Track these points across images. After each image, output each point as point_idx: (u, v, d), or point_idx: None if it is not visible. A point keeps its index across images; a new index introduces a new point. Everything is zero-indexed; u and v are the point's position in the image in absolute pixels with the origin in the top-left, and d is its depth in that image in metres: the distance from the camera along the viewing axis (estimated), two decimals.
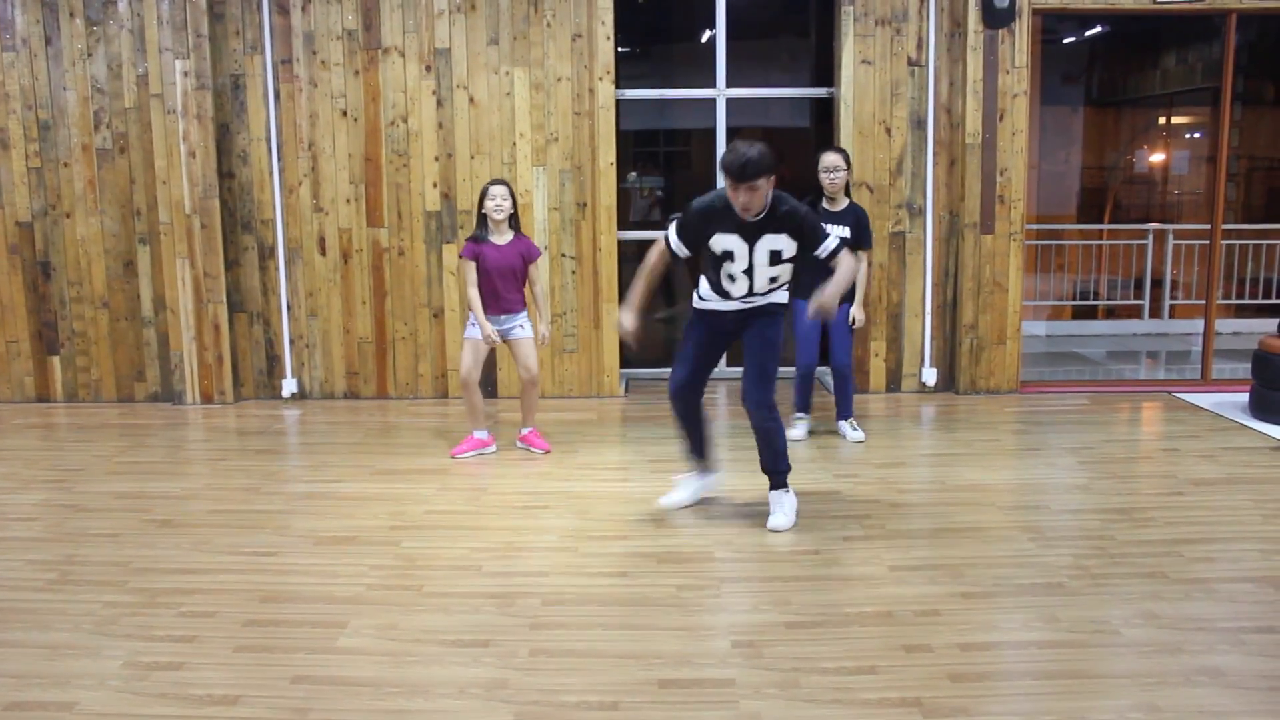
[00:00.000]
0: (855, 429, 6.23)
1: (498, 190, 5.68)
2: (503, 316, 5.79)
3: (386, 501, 5.13)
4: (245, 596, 3.97)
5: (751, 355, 4.62)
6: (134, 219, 7.29)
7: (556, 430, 6.48)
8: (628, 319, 4.54)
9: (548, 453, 5.95)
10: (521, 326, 5.85)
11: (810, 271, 4.60)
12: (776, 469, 4.71)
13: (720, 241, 4.41)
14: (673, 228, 4.56)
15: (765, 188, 4.26)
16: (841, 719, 3.04)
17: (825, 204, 5.95)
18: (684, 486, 4.98)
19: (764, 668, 3.35)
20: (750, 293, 4.54)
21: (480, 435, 5.95)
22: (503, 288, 5.74)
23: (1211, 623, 3.65)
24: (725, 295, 4.58)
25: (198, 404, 7.31)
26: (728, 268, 4.47)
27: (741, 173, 4.17)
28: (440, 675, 3.33)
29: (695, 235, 4.47)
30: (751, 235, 4.37)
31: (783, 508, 4.69)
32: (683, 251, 4.53)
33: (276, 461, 5.99)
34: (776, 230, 4.36)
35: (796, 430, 6.13)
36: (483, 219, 5.71)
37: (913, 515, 4.90)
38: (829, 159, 5.91)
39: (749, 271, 4.45)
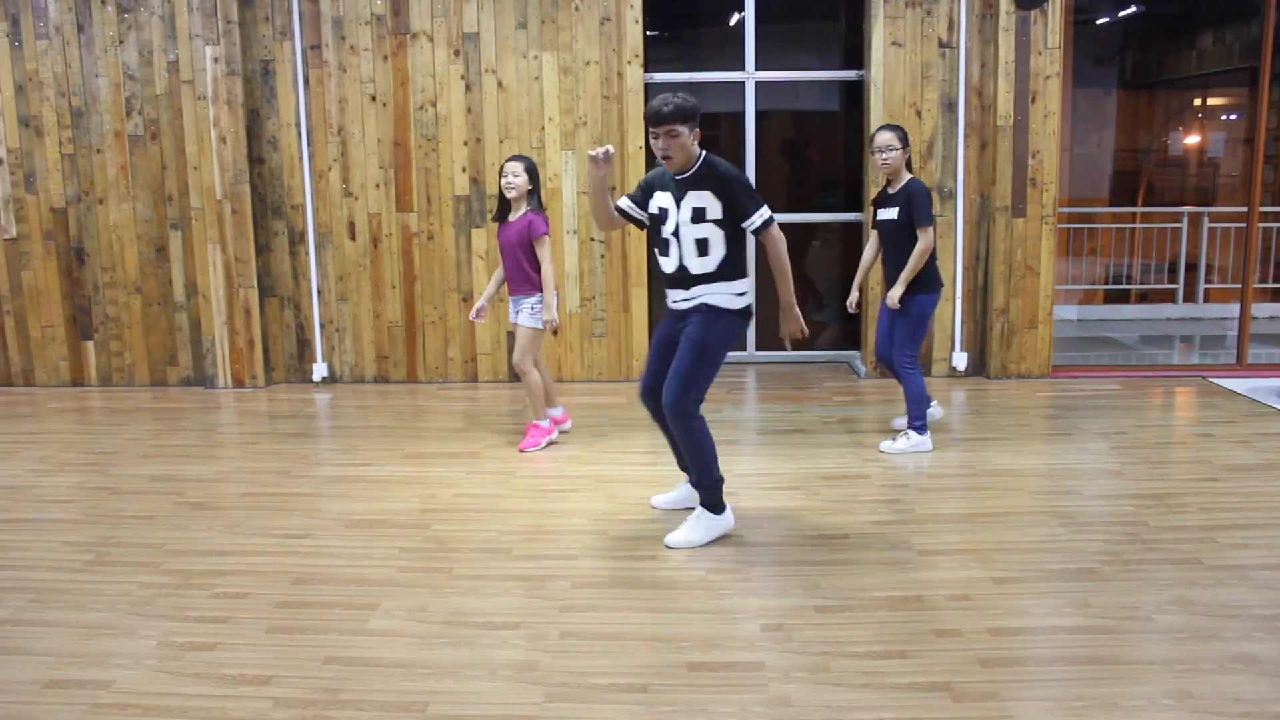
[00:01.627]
0: (895, 439, 5.69)
1: (511, 166, 5.52)
2: (511, 299, 5.70)
3: (416, 485, 5.16)
4: (277, 578, 4.00)
5: (677, 353, 4.24)
6: (166, 205, 7.35)
7: (586, 414, 6.50)
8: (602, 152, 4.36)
9: (520, 450, 5.69)
10: (521, 313, 5.62)
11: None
12: (699, 483, 4.34)
13: (658, 199, 4.30)
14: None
15: (687, 138, 4.10)
16: (871, 703, 3.03)
17: (887, 187, 5.61)
18: (677, 489, 4.76)
19: (793, 651, 3.34)
20: (681, 268, 4.23)
21: (543, 423, 5.81)
22: (507, 268, 5.63)
23: (1246, 609, 3.61)
24: (666, 278, 4.34)
25: (229, 388, 7.38)
26: (662, 231, 4.28)
27: (657, 116, 4.06)
28: (470, 657, 3.35)
29: (644, 192, 4.37)
30: (679, 192, 4.20)
31: (695, 524, 4.32)
32: (624, 202, 4.42)
33: (307, 445, 6.04)
34: (701, 187, 4.16)
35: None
36: (503, 195, 5.61)
37: (943, 499, 4.87)
38: (879, 138, 5.51)
39: (676, 233, 4.20)
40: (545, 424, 5.80)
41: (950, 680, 3.14)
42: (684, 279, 4.26)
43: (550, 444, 5.79)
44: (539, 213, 5.52)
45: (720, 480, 4.32)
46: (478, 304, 5.78)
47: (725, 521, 4.35)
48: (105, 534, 4.53)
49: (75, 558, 4.26)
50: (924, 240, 5.44)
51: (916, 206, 5.43)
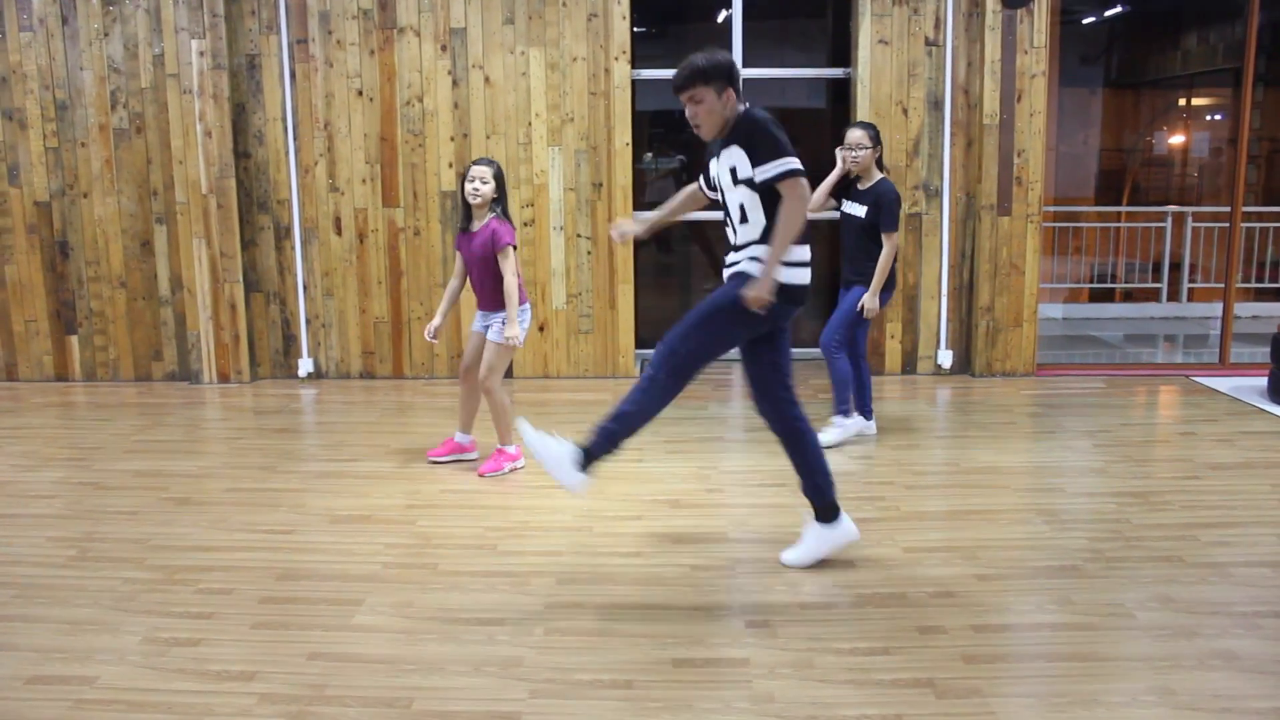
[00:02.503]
0: (837, 425, 5.69)
1: (478, 170, 5.03)
2: (479, 313, 5.27)
3: (402, 481, 5.15)
4: (262, 574, 4.00)
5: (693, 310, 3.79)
6: (151, 199, 7.32)
7: (571, 411, 6.50)
8: (625, 225, 4.13)
9: (479, 475, 5.24)
10: (491, 327, 5.16)
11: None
12: (600, 424, 3.73)
13: (712, 167, 3.87)
14: None
15: (716, 103, 3.63)
16: (855, 699, 3.05)
17: (856, 182, 5.59)
18: (803, 535, 4.11)
19: (778, 648, 3.36)
20: (735, 235, 3.80)
21: (509, 449, 5.34)
22: (474, 281, 5.19)
23: (1227, 607, 3.64)
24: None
25: (214, 383, 7.35)
26: (718, 201, 3.90)
27: (675, 83, 3.65)
28: (455, 653, 3.35)
29: (706, 161, 3.96)
30: (717, 151, 3.77)
31: (552, 457, 3.66)
32: (703, 181, 4.06)
33: (293, 441, 6.02)
34: (730, 143, 3.68)
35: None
36: (466, 203, 5.12)
37: (927, 497, 4.89)
38: (850, 135, 5.49)
39: (723, 197, 3.81)
40: (513, 449, 5.31)
41: (934, 677, 3.16)
42: (736, 249, 3.81)
43: (514, 470, 5.30)
44: (504, 221, 5.05)
45: (611, 446, 3.71)
46: (433, 323, 5.25)
47: (581, 480, 3.66)
48: (89, 529, 4.51)
49: (59, 553, 4.24)
50: (889, 245, 5.44)
51: (885, 212, 5.41)
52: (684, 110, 3.71)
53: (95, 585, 3.90)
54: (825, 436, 5.50)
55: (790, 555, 4.03)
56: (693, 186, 4.21)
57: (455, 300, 5.36)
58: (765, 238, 3.68)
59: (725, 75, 3.62)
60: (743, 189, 3.69)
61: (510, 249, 5.03)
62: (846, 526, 4.01)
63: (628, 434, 3.72)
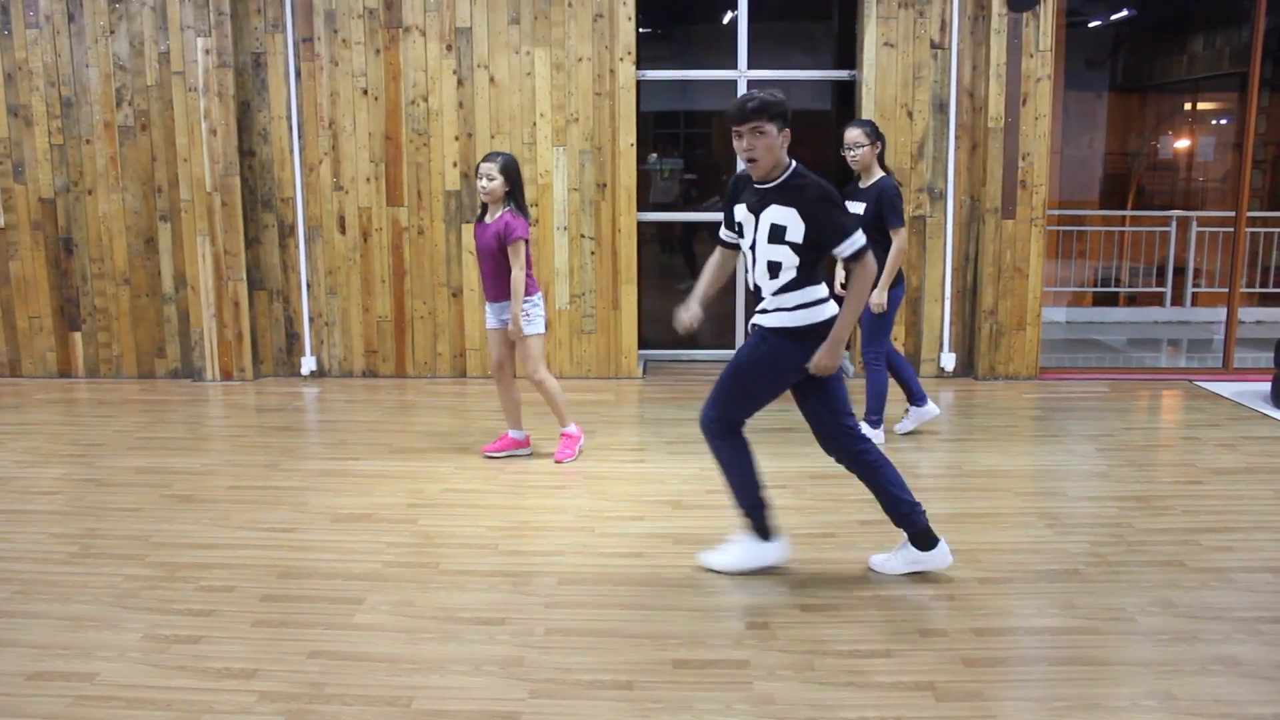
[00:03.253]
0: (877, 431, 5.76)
1: (485, 167, 5.12)
2: (490, 307, 5.37)
3: (404, 479, 5.15)
4: (263, 572, 4.00)
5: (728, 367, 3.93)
6: (155, 196, 7.33)
7: (574, 411, 6.48)
8: (686, 314, 4.03)
9: (556, 462, 5.44)
10: (502, 319, 5.36)
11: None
12: (735, 507, 3.99)
13: (739, 212, 3.84)
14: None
15: (775, 139, 3.64)
16: (854, 701, 3.04)
17: (858, 181, 5.56)
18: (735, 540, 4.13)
19: (778, 649, 3.35)
20: (756, 287, 3.85)
21: (571, 429, 5.53)
22: (485, 273, 5.29)
23: (1228, 612, 3.63)
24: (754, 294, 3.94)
25: (217, 381, 7.36)
26: (741, 245, 3.90)
27: (740, 112, 3.62)
28: (456, 652, 3.35)
29: (729, 206, 3.91)
30: (759, 204, 3.74)
31: (729, 549, 4.02)
32: (726, 234, 3.98)
33: (295, 439, 6.02)
34: (784, 202, 3.68)
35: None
36: None
37: (929, 500, 4.83)
38: (848, 135, 5.49)
39: (753, 249, 3.79)
40: (573, 429, 5.52)
41: (934, 680, 3.15)
42: (758, 297, 3.86)
43: (582, 450, 5.53)
44: (517, 215, 5.12)
45: (760, 506, 3.94)
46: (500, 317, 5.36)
47: (774, 551, 3.99)
48: (91, 526, 4.51)
49: (61, 550, 4.24)
50: (898, 241, 5.41)
51: (887, 207, 5.38)
52: (740, 137, 3.66)
53: (96, 582, 3.91)
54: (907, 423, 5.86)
55: (880, 561, 4.01)
56: (720, 254, 4.08)
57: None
58: (790, 288, 3.73)
59: (787, 116, 3.67)
60: (784, 249, 3.70)
61: (522, 242, 5.11)
62: (942, 551, 3.94)
63: (754, 493, 3.93)
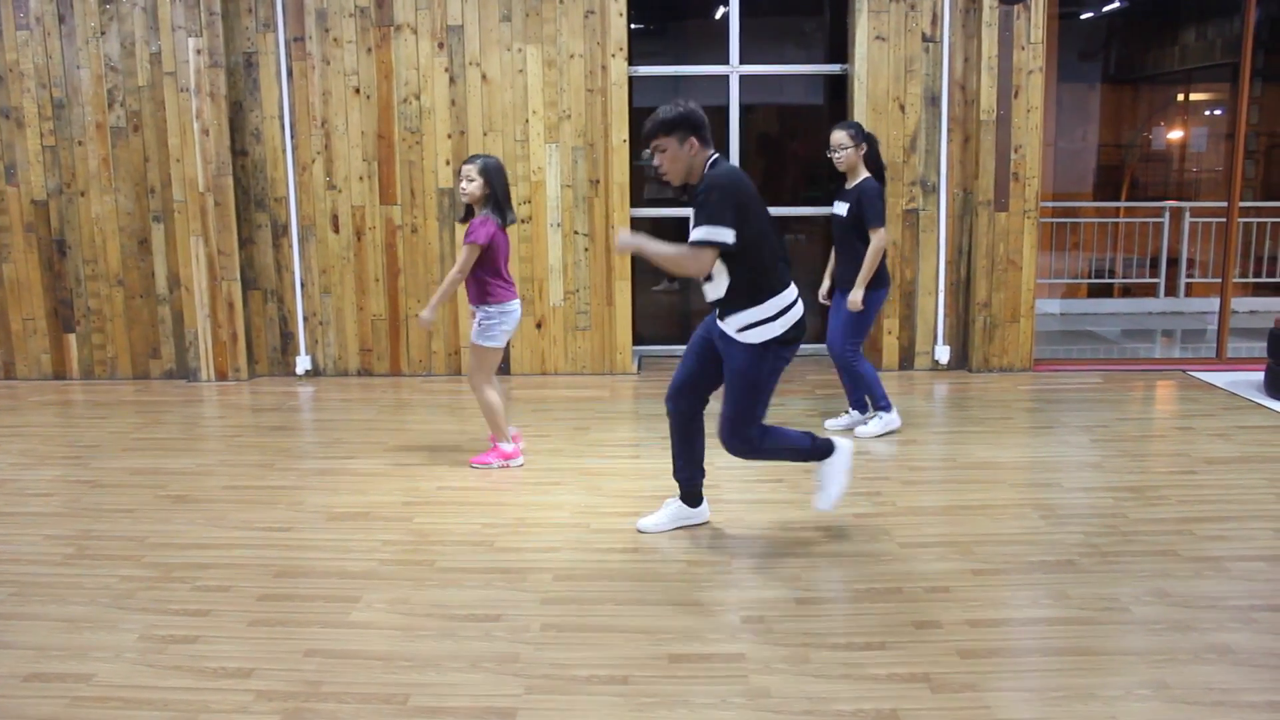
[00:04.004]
0: (867, 422, 5.84)
1: (466, 169, 5.02)
2: (473, 308, 5.21)
3: (399, 478, 5.16)
4: (259, 571, 4.00)
5: (725, 389, 4.07)
6: (148, 197, 7.32)
7: (569, 407, 6.50)
8: None
9: (470, 464, 5.34)
10: (474, 327, 5.15)
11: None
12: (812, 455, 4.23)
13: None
14: None
15: (680, 151, 3.81)
16: (850, 694, 3.05)
17: (844, 182, 5.63)
18: (664, 506, 4.46)
19: (773, 643, 3.36)
20: (705, 291, 4.02)
21: (504, 446, 5.35)
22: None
23: (1222, 600, 3.64)
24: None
25: (212, 381, 7.35)
26: None
27: (644, 136, 3.85)
28: (452, 649, 3.36)
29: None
30: (689, 204, 3.91)
31: (829, 480, 4.22)
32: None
33: (290, 438, 6.03)
34: (695, 202, 3.85)
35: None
36: None
37: (924, 492, 4.90)
38: (833, 137, 5.54)
39: None
40: (508, 447, 5.32)
41: (929, 671, 3.16)
42: (711, 303, 4.03)
43: (502, 468, 5.30)
44: (489, 220, 4.99)
45: (826, 445, 4.20)
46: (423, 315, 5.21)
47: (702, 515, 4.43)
48: (86, 527, 4.51)
49: (56, 551, 4.24)
50: (876, 240, 5.46)
51: (867, 206, 5.44)
52: (653, 153, 3.89)
53: (92, 583, 3.91)
54: (865, 430, 5.78)
55: (645, 522, 4.39)
56: None
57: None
58: (735, 296, 3.88)
59: (689, 125, 3.81)
60: None
61: (475, 247, 4.94)
62: (703, 510, 4.43)
63: (801, 455, 4.22)
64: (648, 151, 3.94)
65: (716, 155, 3.92)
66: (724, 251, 3.80)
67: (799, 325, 3.98)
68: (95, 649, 3.38)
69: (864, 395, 5.85)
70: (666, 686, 3.11)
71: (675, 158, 3.84)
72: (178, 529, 4.48)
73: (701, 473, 4.37)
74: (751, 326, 3.90)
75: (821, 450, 4.20)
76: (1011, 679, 3.15)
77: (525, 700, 3.04)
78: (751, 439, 4.04)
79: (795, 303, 3.96)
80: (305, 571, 4.00)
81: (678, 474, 4.37)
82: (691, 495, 4.39)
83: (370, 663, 3.27)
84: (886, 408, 5.78)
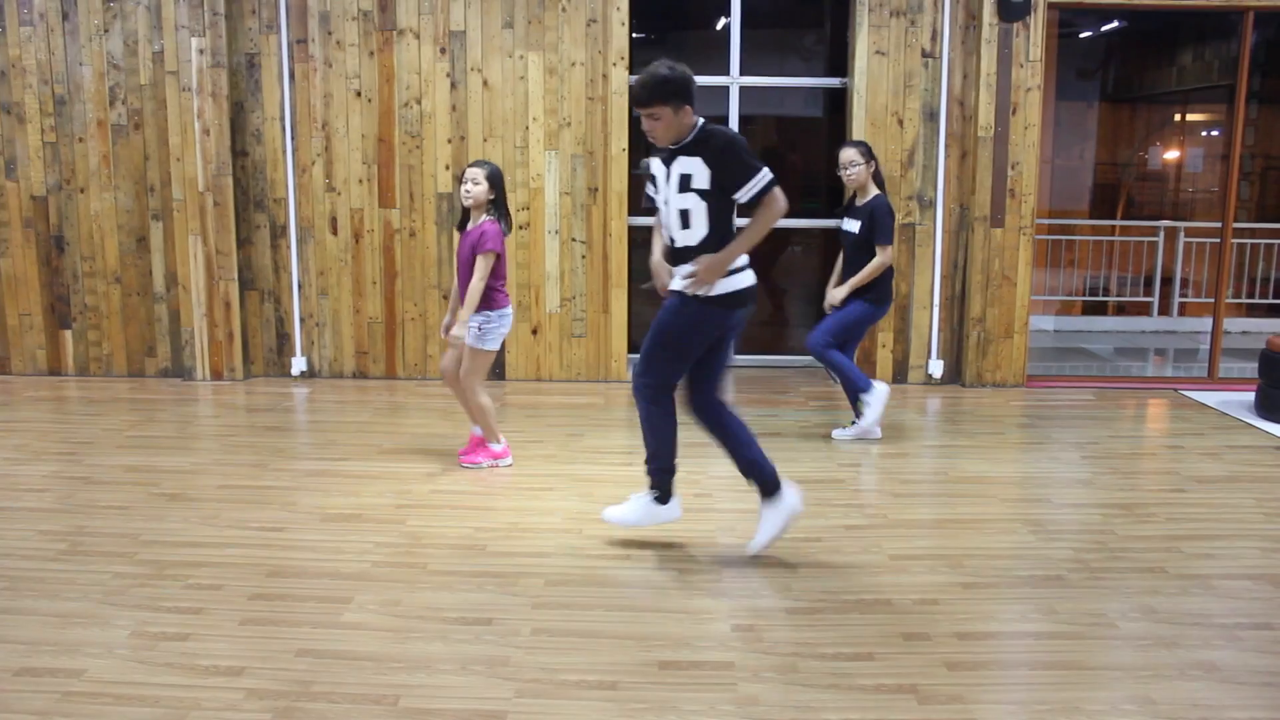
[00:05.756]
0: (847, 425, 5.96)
1: (471, 172, 5.05)
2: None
3: (393, 480, 5.17)
4: (252, 570, 4.01)
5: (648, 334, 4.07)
6: (147, 195, 7.33)
7: (563, 414, 6.52)
8: (658, 281, 4.16)
9: (459, 462, 5.42)
10: (471, 330, 5.12)
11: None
12: (647, 463, 4.20)
13: (654, 166, 4.03)
14: None
15: (672, 120, 3.83)
16: (838, 704, 3.07)
17: (854, 198, 5.84)
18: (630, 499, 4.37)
19: (763, 652, 3.38)
20: (671, 241, 4.01)
21: (494, 446, 5.41)
22: (460, 279, 5.14)
23: (1209, 618, 3.67)
24: (669, 254, 4.09)
25: (208, 380, 7.36)
26: (655, 201, 4.09)
27: (637, 98, 3.84)
28: (442, 651, 3.37)
29: (650, 163, 4.09)
30: (669, 158, 3.93)
31: (629, 505, 4.26)
32: (649, 190, 4.13)
33: (284, 439, 6.03)
34: (691, 153, 3.86)
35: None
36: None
37: (915, 505, 4.92)
38: (842, 155, 5.72)
39: (666, 203, 3.97)
40: (498, 447, 5.39)
41: (917, 683, 3.18)
42: (676, 254, 4.01)
43: (492, 467, 5.37)
44: (496, 223, 5.04)
45: (669, 471, 4.17)
46: (445, 320, 5.32)
47: (669, 513, 4.25)
48: (80, 523, 4.52)
49: (49, 547, 4.25)
50: (882, 256, 5.63)
51: (878, 225, 5.61)
52: (643, 119, 3.89)
53: (85, 579, 3.92)
54: (866, 419, 5.83)
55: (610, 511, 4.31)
56: (658, 217, 4.17)
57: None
58: (704, 247, 3.88)
59: (685, 92, 3.83)
60: (691, 197, 3.88)
61: (493, 254, 5.00)
62: (675, 507, 4.28)
63: (669, 459, 4.16)
64: (645, 162, 3.99)
65: (701, 120, 3.93)
66: (710, 200, 3.86)
67: (749, 291, 3.99)
68: (87, 645, 3.39)
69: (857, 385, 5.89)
70: (655, 693, 3.13)
71: (669, 125, 3.86)
72: (171, 527, 4.49)
73: (765, 459, 4.17)
74: None
75: (768, 479, 4.12)
76: (998, 692, 3.17)
77: (515, 704, 3.06)
78: (648, 392, 4.02)
79: (748, 267, 3.98)
80: (297, 572, 4.01)
81: (743, 469, 4.16)
82: (767, 485, 4.14)
83: (361, 663, 3.29)
84: (866, 388, 5.81)
